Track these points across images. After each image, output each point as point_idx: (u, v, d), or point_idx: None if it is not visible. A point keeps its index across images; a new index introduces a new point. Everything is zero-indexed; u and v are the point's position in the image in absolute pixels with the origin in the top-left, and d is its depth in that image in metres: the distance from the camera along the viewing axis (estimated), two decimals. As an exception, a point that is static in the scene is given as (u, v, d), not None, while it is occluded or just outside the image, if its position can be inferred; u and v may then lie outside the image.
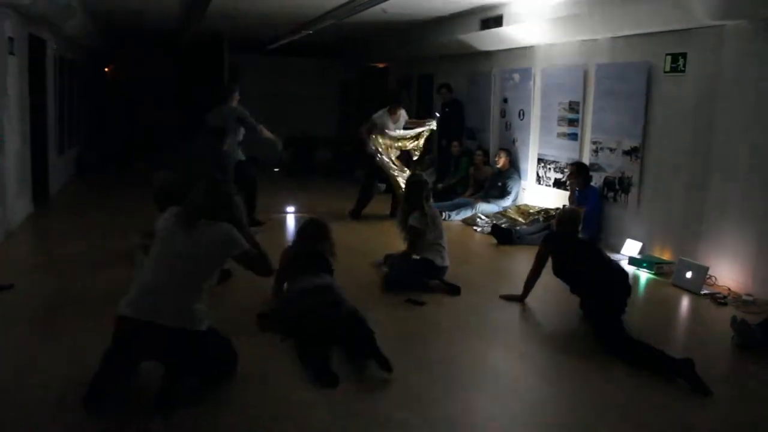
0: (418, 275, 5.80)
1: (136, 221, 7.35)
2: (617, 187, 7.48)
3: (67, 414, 3.39)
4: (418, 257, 5.95)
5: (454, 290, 5.69)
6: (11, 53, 7.44)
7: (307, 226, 5.14)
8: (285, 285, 4.89)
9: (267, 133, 8.16)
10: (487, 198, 9.32)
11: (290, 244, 5.40)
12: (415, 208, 5.99)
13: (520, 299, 5.46)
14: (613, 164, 7.52)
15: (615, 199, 7.52)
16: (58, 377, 3.80)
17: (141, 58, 16.67)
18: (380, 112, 9.21)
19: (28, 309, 5.08)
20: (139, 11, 10.55)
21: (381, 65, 15.44)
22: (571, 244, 5.21)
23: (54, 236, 7.70)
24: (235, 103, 8.10)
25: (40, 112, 9.08)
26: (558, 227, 5.35)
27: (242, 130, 8.07)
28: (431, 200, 6.23)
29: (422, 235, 5.90)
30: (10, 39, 7.39)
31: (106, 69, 17.24)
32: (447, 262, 5.94)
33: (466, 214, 9.01)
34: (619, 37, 7.45)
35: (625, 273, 5.24)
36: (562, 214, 5.54)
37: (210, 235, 3.53)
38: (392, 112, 9.19)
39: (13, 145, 7.58)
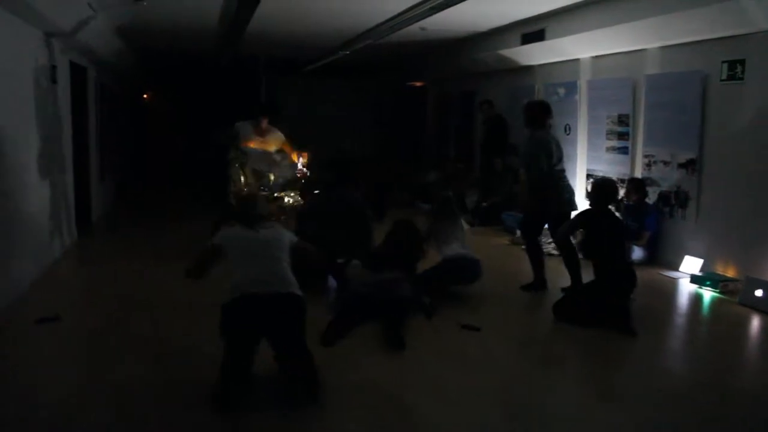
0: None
1: (177, 246, 7.26)
2: (673, 201, 7.17)
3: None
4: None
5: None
6: (54, 81, 7.45)
7: (397, 227, 6.11)
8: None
9: None
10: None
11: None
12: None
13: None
14: (668, 178, 7.23)
15: (671, 215, 7.22)
16: (103, 417, 3.67)
17: (178, 84, 16.82)
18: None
19: (76, 340, 4.97)
20: (176, 37, 10.60)
21: (419, 84, 15.30)
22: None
23: (98, 263, 7.60)
24: None
25: (81, 138, 9.11)
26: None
27: None
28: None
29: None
30: (53, 67, 7.41)
31: (144, 96, 17.44)
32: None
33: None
34: (669, 45, 7.19)
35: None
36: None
37: (271, 231, 4.24)
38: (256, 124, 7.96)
39: (57, 172, 7.57)
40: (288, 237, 4.28)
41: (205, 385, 3.83)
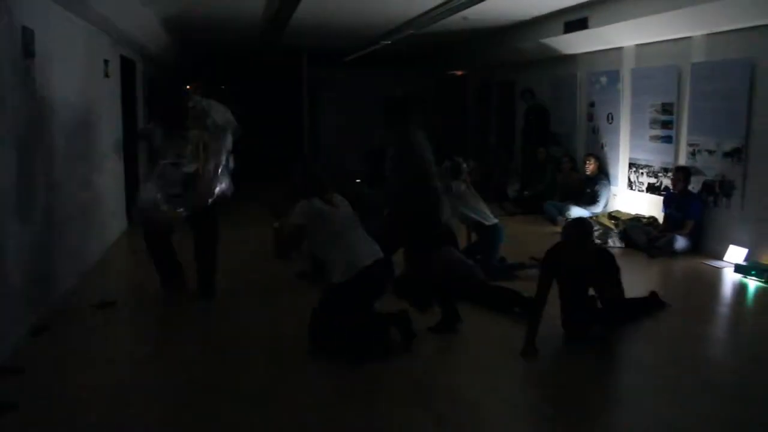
0: None
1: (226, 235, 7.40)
2: (718, 190, 7.12)
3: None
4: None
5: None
6: (106, 75, 7.68)
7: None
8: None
9: None
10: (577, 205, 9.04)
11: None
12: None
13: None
14: (713, 167, 7.17)
15: (716, 204, 7.16)
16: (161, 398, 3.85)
17: (222, 77, 17.03)
18: None
19: (134, 324, 5.19)
20: (219, 29, 10.73)
21: (459, 73, 15.27)
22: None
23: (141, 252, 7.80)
24: None
25: (131, 130, 9.34)
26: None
27: None
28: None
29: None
30: (105, 61, 7.63)
31: (188, 87, 17.66)
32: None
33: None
34: (716, 33, 7.11)
35: None
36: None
37: (344, 204, 4.54)
38: None
39: (109, 164, 7.81)
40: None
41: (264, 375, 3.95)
